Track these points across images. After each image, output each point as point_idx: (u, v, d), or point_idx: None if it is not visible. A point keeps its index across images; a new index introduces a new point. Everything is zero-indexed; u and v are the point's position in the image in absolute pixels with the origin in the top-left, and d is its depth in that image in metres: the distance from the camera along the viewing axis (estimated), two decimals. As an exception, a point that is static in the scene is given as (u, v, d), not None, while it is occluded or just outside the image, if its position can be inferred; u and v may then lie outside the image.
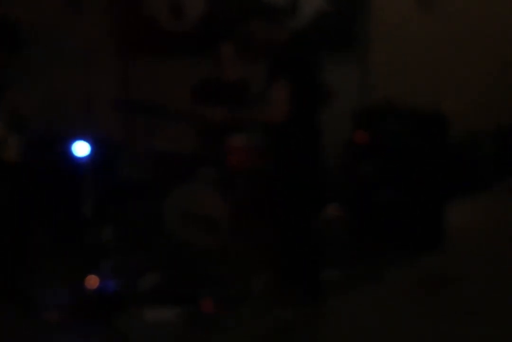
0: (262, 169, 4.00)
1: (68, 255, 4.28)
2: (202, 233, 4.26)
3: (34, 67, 3.93)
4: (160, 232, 4.36)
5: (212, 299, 3.69)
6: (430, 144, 4.65)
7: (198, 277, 4.00)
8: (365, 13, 5.61)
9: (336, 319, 3.57)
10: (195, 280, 3.95)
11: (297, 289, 3.67)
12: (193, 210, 4.27)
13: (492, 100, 5.46)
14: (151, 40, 5.93)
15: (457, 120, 4.84)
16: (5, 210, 3.79)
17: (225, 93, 4.73)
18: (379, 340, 3.33)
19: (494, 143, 5.35)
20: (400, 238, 4.57)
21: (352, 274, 4.17)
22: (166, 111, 4.34)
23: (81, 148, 4.18)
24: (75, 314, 3.59)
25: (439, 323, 3.47)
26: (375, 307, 3.69)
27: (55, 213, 4.70)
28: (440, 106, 4.87)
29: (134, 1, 5.91)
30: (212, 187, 4.35)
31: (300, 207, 3.75)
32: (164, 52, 5.91)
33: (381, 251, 4.49)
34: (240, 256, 4.15)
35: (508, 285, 3.90)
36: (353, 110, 5.13)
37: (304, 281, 3.70)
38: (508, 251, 4.39)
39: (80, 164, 4.19)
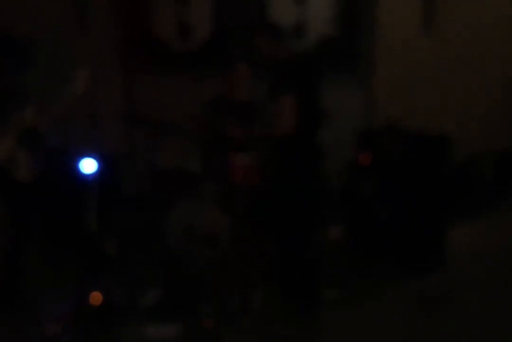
0: (264, 187, 4.03)
1: (71, 269, 4.30)
2: (203, 249, 4.28)
3: (41, 84, 3.99)
4: (162, 247, 4.38)
5: (212, 315, 3.70)
6: (432, 166, 4.69)
7: (199, 293, 4.01)
8: (370, 36, 5.70)
9: (334, 336, 3.57)
10: (196, 296, 3.96)
11: (296, 305, 3.69)
12: (195, 225, 4.30)
13: (494, 122, 5.51)
14: (158, 58, 6.02)
15: (459, 142, 4.88)
16: (14, 225, 3.82)
17: (237, 112, 4.78)
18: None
19: (495, 165, 5.39)
20: (401, 258, 4.58)
21: (352, 293, 4.18)
22: (170, 128, 4.40)
23: (88, 165, 4.23)
24: (76, 328, 3.60)
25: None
26: (373, 326, 3.69)
27: (61, 227, 4.73)
28: (442, 128, 4.92)
29: (142, 20, 6.02)
30: (214, 203, 4.39)
31: (301, 224, 3.78)
32: (171, 70, 6.01)
33: (382, 271, 4.50)
34: (240, 272, 4.17)
35: (509, 306, 3.91)
36: (356, 131, 5.18)
37: (302, 297, 3.72)
38: (510, 272, 4.39)
39: (87, 180, 4.23)
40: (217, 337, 3.54)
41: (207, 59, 5.90)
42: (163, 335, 3.58)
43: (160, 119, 4.49)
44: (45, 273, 4.20)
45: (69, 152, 4.82)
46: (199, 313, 3.74)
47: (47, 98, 3.94)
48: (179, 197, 4.48)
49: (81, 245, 4.41)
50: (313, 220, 4.01)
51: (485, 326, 3.65)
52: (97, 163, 4.20)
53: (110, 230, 4.67)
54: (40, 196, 3.95)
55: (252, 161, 4.44)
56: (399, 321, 3.76)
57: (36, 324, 3.62)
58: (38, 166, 3.86)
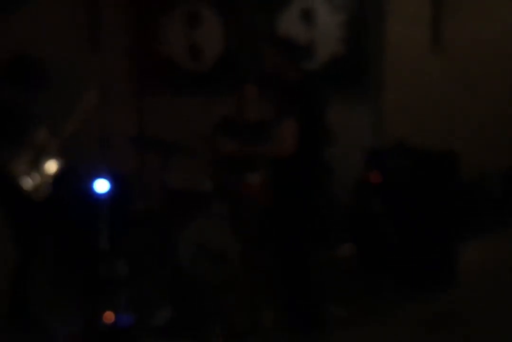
0: (273, 206, 4.05)
1: (83, 288, 4.33)
2: (213, 267, 4.30)
3: (55, 105, 4.06)
4: (172, 266, 4.40)
5: (222, 334, 3.71)
6: (441, 183, 4.69)
7: (209, 312, 4.02)
8: (378, 55, 5.73)
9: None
10: (205, 315, 3.98)
11: (304, 324, 3.69)
12: (205, 244, 4.33)
13: (502, 139, 5.50)
14: (169, 79, 6.11)
15: (468, 160, 4.88)
16: (24, 243, 3.86)
17: (245, 132, 4.84)
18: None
19: (504, 182, 5.37)
20: (410, 276, 4.56)
21: (361, 312, 4.17)
22: (181, 149, 4.45)
23: (100, 185, 4.28)
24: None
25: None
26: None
27: (72, 246, 4.77)
28: (451, 146, 4.93)
29: (153, 41, 6.11)
30: (224, 222, 4.41)
31: (309, 243, 3.79)
32: (181, 91, 6.09)
33: (391, 289, 4.49)
34: (249, 290, 4.18)
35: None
36: (365, 149, 5.20)
37: (310, 315, 3.72)
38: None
39: (98, 200, 4.28)
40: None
41: (217, 80, 5.98)
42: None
43: (171, 140, 4.54)
44: (55, 293, 4.23)
45: (81, 172, 4.89)
46: (209, 332, 3.75)
47: (58, 119, 4.00)
48: (190, 216, 4.51)
49: (92, 264, 4.45)
50: (322, 238, 4.03)
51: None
52: (109, 184, 4.25)
53: (121, 249, 4.70)
54: (52, 215, 3.99)
55: (262, 180, 4.48)
56: (407, 340, 3.75)
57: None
58: (51, 185, 3.91)
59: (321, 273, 4.04)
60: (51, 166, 3.93)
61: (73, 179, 4.82)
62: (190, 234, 4.40)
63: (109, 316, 3.77)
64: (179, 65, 6.09)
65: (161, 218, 4.76)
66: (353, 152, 5.22)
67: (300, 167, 3.73)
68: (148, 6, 6.07)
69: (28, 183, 3.75)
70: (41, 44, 5.45)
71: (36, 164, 3.81)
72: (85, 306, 4.06)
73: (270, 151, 3.74)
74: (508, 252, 4.77)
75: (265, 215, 4.44)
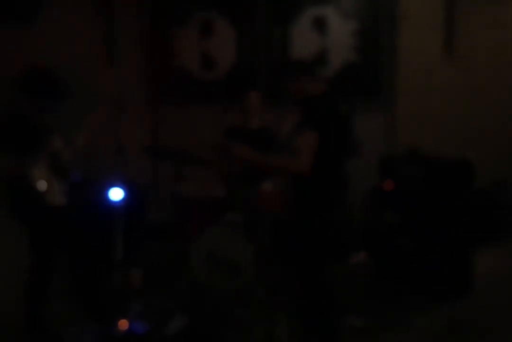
0: (288, 215, 4.04)
1: (97, 297, 4.34)
2: (227, 277, 4.30)
3: (71, 115, 4.10)
4: (187, 275, 4.41)
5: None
6: (455, 191, 4.67)
7: (222, 322, 4.02)
8: (392, 63, 5.74)
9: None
10: (219, 325, 3.98)
11: (319, 334, 3.68)
12: (219, 254, 4.33)
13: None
14: (182, 89, 6.14)
15: (482, 168, 4.86)
16: (42, 253, 3.89)
17: (251, 141, 4.85)
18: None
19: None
20: (426, 286, 4.54)
21: (377, 321, 4.15)
22: (194, 158, 4.47)
23: (115, 194, 4.31)
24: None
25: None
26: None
27: (86, 255, 4.78)
28: (465, 154, 4.92)
29: (167, 51, 6.15)
30: (238, 232, 4.41)
31: (324, 252, 3.78)
32: (195, 101, 6.12)
33: (407, 298, 4.47)
34: (264, 300, 4.18)
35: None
36: (379, 158, 5.19)
37: (325, 325, 3.71)
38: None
39: (113, 208, 4.31)
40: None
41: (230, 89, 6.00)
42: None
43: (185, 149, 4.56)
44: (69, 303, 4.24)
45: (95, 182, 4.92)
46: (222, 341, 3.75)
47: (74, 129, 4.04)
48: (203, 225, 4.52)
49: (107, 273, 4.47)
50: (336, 247, 4.01)
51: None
52: (124, 192, 4.27)
53: (135, 258, 4.72)
54: (67, 223, 4.02)
55: (275, 189, 4.48)
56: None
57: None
58: (68, 193, 3.95)
59: (336, 282, 4.01)
60: (66, 175, 3.96)
61: (88, 188, 4.85)
62: (204, 243, 4.40)
63: (123, 324, 3.78)
64: (193, 74, 6.13)
65: (175, 227, 4.77)
66: (366, 160, 5.21)
67: (318, 177, 3.71)
68: (162, 17, 6.13)
69: (45, 191, 3.79)
70: (56, 55, 5.53)
71: (52, 173, 3.85)
72: (100, 315, 4.06)
73: (290, 166, 3.70)
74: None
75: (278, 224, 4.44)
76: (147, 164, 5.89)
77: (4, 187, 3.80)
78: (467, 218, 4.67)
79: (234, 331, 3.87)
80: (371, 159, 5.17)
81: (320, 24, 5.84)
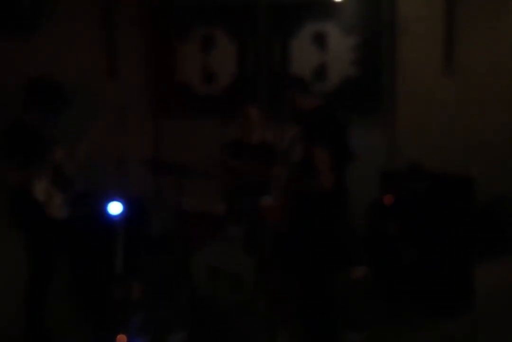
0: (288, 228, 4.05)
1: (97, 310, 4.32)
2: (228, 290, 4.29)
3: (74, 126, 4.11)
4: (188, 289, 4.39)
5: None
6: (456, 206, 4.68)
7: (224, 335, 4.00)
8: (392, 78, 5.77)
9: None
10: (221, 338, 3.96)
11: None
12: (220, 267, 4.33)
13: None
14: (183, 103, 6.17)
15: (483, 182, 4.88)
16: (43, 265, 3.88)
17: (252, 155, 4.87)
18: None
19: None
20: (427, 300, 4.53)
21: (376, 335, 4.14)
22: (195, 172, 4.48)
23: (114, 207, 4.30)
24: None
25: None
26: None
27: (86, 269, 4.77)
28: (466, 168, 4.93)
29: (168, 66, 6.19)
30: (240, 245, 4.41)
31: (325, 265, 3.78)
32: (195, 115, 6.14)
33: (407, 313, 4.46)
34: (265, 313, 4.16)
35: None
36: (379, 172, 5.20)
37: (327, 339, 3.70)
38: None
39: (113, 222, 4.30)
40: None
41: (231, 103, 6.02)
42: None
43: (186, 163, 4.57)
44: (69, 316, 4.23)
45: (97, 195, 4.91)
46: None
47: (75, 141, 4.05)
48: (205, 238, 4.52)
49: (107, 286, 4.45)
50: (338, 261, 4.01)
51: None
52: (123, 206, 4.27)
53: (136, 272, 4.70)
54: (68, 236, 4.01)
55: (276, 203, 4.48)
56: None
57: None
58: (70, 205, 3.95)
59: (337, 296, 4.01)
60: (68, 187, 3.97)
61: (90, 201, 4.85)
62: (205, 256, 4.40)
63: (122, 340, 3.76)
64: (194, 88, 6.16)
65: (176, 240, 4.77)
66: (367, 174, 5.22)
67: (318, 190, 3.72)
68: (163, 30, 6.16)
69: (46, 202, 3.79)
70: (59, 68, 5.54)
71: (54, 184, 3.85)
72: (100, 328, 4.04)
73: (313, 187, 3.70)
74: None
75: (279, 237, 4.44)
76: (148, 177, 5.89)
77: (6, 198, 3.80)
78: (468, 232, 4.68)
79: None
80: (372, 173, 5.19)
81: (320, 39, 5.88)
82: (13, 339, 3.90)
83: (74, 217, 4.03)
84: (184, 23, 6.09)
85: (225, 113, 5.96)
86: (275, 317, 4.14)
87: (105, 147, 4.13)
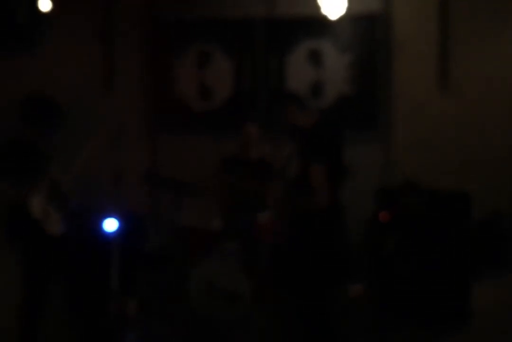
0: (285, 245, 4.04)
1: (92, 327, 4.30)
2: (225, 306, 4.27)
3: (70, 143, 4.12)
4: (184, 305, 4.38)
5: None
6: (453, 221, 4.69)
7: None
8: (387, 95, 5.81)
9: None
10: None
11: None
12: (218, 284, 4.31)
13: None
14: (180, 119, 6.20)
15: (479, 198, 4.90)
16: (37, 281, 3.85)
17: (249, 171, 4.89)
18: None
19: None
20: (425, 315, 4.52)
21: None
22: (192, 188, 4.48)
23: (110, 224, 4.30)
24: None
25: None
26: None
27: (82, 285, 4.75)
28: (461, 184, 4.96)
29: (165, 83, 6.23)
30: (237, 262, 4.40)
31: (322, 281, 3.77)
32: (192, 131, 6.17)
33: (406, 328, 4.44)
34: (262, 329, 4.15)
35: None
36: (376, 188, 5.21)
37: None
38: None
39: (109, 238, 4.29)
40: None
41: (227, 119, 6.06)
42: None
43: (183, 179, 4.58)
44: (63, 332, 4.19)
45: (93, 211, 4.90)
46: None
47: (71, 157, 4.05)
48: (201, 254, 4.51)
49: (102, 303, 4.43)
50: (335, 277, 4.00)
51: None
52: (120, 222, 4.27)
53: (132, 288, 4.68)
54: (63, 252, 4.00)
55: (272, 219, 4.48)
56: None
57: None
58: (66, 221, 3.94)
59: (333, 312, 3.99)
60: (65, 203, 3.96)
61: (87, 217, 4.84)
62: (202, 273, 4.38)
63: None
64: (191, 104, 6.19)
65: (173, 256, 4.75)
66: (364, 190, 5.24)
67: (314, 207, 3.72)
68: (161, 48, 6.21)
69: (42, 219, 3.78)
70: (56, 84, 5.58)
71: (50, 201, 3.84)
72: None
73: (309, 203, 3.71)
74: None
75: (276, 254, 4.43)
76: (145, 193, 5.89)
77: (1, 214, 3.79)
78: (465, 248, 4.68)
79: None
80: (368, 189, 5.20)
81: (315, 57, 5.93)
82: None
83: (70, 233, 4.01)
84: (181, 40, 6.14)
85: (222, 129, 6.00)
86: (273, 333, 4.12)
87: (102, 163, 4.12)
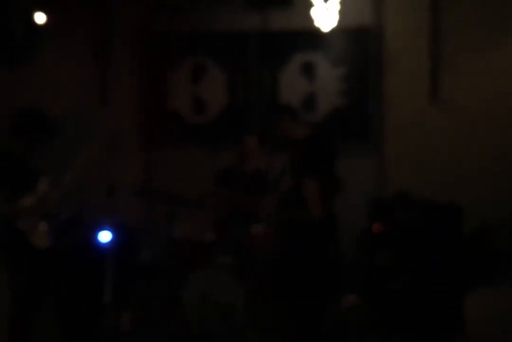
0: (279, 257, 4.06)
1: (86, 340, 4.29)
2: (220, 320, 4.27)
3: (63, 156, 4.13)
4: (178, 317, 4.38)
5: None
6: (445, 233, 4.72)
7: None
8: (379, 107, 5.87)
9: None
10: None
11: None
12: (212, 296, 4.30)
13: (504, 190, 5.58)
14: (174, 131, 6.23)
15: (471, 210, 4.94)
16: (29, 296, 3.85)
17: (246, 183, 4.91)
18: None
19: (508, 232, 5.41)
20: (417, 327, 4.54)
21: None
22: (186, 200, 4.50)
23: (104, 236, 4.31)
24: None
25: None
26: None
27: (74, 298, 4.74)
28: (453, 196, 5.00)
29: (160, 95, 6.27)
30: (230, 274, 4.41)
31: (316, 293, 3.78)
32: (186, 143, 6.21)
33: (398, 339, 4.46)
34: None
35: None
36: (368, 200, 5.25)
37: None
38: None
39: (102, 250, 4.30)
40: None
41: (221, 132, 6.11)
42: None
43: (176, 191, 4.59)
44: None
45: (87, 223, 4.90)
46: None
47: (63, 170, 4.06)
48: (195, 267, 4.51)
49: (96, 316, 4.43)
50: (328, 289, 4.01)
51: None
52: (113, 234, 4.28)
53: (126, 301, 4.68)
54: (55, 265, 3.99)
55: (266, 231, 4.50)
56: None
57: None
58: (54, 234, 3.93)
59: (328, 324, 4.00)
60: (54, 216, 3.96)
61: (78, 229, 4.84)
62: (196, 285, 4.37)
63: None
64: (184, 117, 6.24)
65: (167, 269, 4.76)
66: (356, 202, 5.28)
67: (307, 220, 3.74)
68: (155, 61, 6.26)
69: (30, 232, 3.78)
70: (51, 98, 5.59)
71: (39, 214, 3.84)
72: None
73: (302, 216, 3.73)
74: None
75: (270, 266, 4.44)
76: (139, 205, 5.90)
77: None
78: (456, 261, 4.71)
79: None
80: (361, 202, 5.24)
81: (308, 70, 5.98)
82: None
83: (60, 245, 4.00)
84: (175, 54, 6.19)
85: (216, 141, 6.04)
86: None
87: (96, 176, 4.14)
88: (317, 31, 5.53)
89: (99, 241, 4.44)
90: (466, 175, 5.64)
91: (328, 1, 5.18)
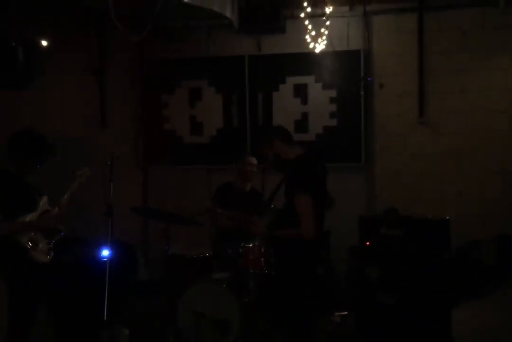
0: (272, 273, 4.11)
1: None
2: (215, 336, 4.32)
3: (63, 176, 4.22)
4: (174, 334, 4.42)
5: None
6: (433, 249, 4.82)
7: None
8: (369, 128, 6.00)
9: None
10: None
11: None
12: (206, 312, 4.35)
13: (492, 207, 5.70)
14: (171, 152, 6.39)
15: (458, 226, 5.06)
16: (26, 310, 3.89)
17: (243, 202, 5.02)
18: None
19: (495, 249, 5.48)
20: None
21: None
22: (183, 218, 4.57)
23: (103, 253, 4.37)
24: None
25: None
26: None
27: (73, 313, 4.78)
28: (441, 212, 5.11)
29: (157, 117, 6.44)
30: (225, 290, 4.46)
31: (308, 309, 3.85)
32: (183, 162, 6.35)
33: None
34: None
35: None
36: (359, 216, 5.36)
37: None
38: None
39: (100, 267, 4.35)
40: None
41: (217, 152, 6.26)
42: None
43: (173, 209, 4.67)
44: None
45: (85, 240, 4.98)
46: None
47: (60, 190, 4.15)
48: (190, 283, 4.56)
49: (94, 332, 4.47)
50: (320, 305, 4.05)
51: None
52: (111, 251, 4.33)
53: (122, 317, 4.72)
54: (54, 280, 4.04)
55: (260, 248, 4.57)
56: None
57: None
58: (54, 250, 4.00)
59: (319, 339, 4.05)
60: (55, 233, 4.03)
61: (77, 246, 4.91)
62: (191, 301, 4.43)
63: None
64: (181, 138, 6.40)
65: (163, 285, 4.81)
66: (347, 219, 5.39)
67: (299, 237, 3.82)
68: (153, 84, 6.43)
69: (31, 249, 3.84)
70: (51, 120, 5.70)
71: (40, 231, 3.91)
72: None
73: (299, 237, 3.80)
74: (501, 318, 4.81)
75: (264, 282, 4.49)
76: (136, 223, 5.98)
77: None
78: (444, 275, 4.79)
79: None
80: (352, 219, 5.34)
81: (301, 92, 6.12)
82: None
83: (59, 262, 4.06)
84: (173, 77, 6.36)
85: (212, 162, 6.17)
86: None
87: (95, 194, 4.22)
88: (308, 54, 5.71)
89: (97, 258, 4.50)
90: (453, 192, 5.78)
91: (318, 27, 5.35)
